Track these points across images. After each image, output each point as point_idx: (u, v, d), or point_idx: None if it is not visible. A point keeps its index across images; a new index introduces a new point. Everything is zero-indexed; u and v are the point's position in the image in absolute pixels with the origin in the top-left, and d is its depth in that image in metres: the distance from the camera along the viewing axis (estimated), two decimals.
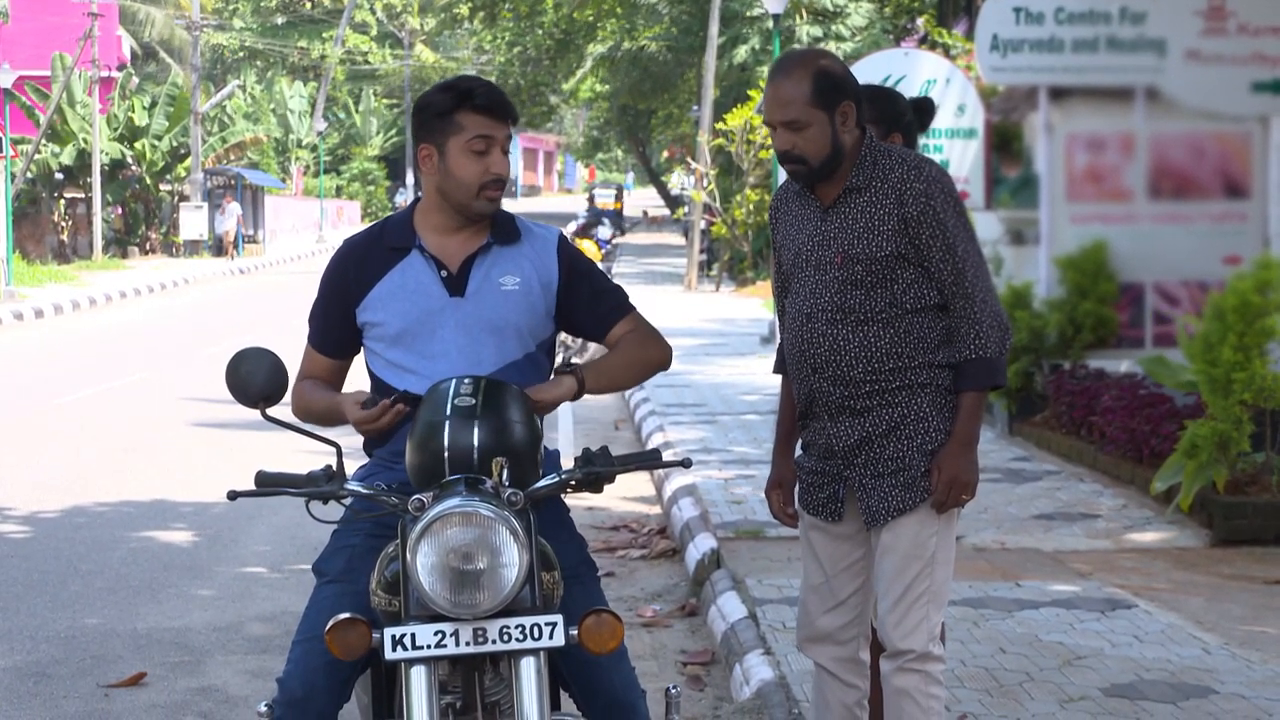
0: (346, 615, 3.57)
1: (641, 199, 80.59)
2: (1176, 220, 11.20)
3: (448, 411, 3.69)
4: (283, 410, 3.93)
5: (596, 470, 3.82)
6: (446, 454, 3.66)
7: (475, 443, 3.66)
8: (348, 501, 3.92)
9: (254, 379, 3.82)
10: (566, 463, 4.06)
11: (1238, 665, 6.52)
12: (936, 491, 4.31)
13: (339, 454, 3.80)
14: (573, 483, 3.80)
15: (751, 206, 31.53)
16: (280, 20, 68.96)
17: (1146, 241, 11.19)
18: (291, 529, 9.86)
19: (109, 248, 43.80)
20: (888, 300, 4.29)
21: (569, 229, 23.92)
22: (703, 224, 34.11)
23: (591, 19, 49.91)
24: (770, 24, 27.85)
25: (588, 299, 4.26)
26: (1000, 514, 9.64)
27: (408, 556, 3.52)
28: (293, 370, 4.08)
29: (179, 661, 7.14)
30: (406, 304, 4.14)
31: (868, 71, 15.36)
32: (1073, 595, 7.71)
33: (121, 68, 47.72)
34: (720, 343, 21.51)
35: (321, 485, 3.74)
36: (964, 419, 4.32)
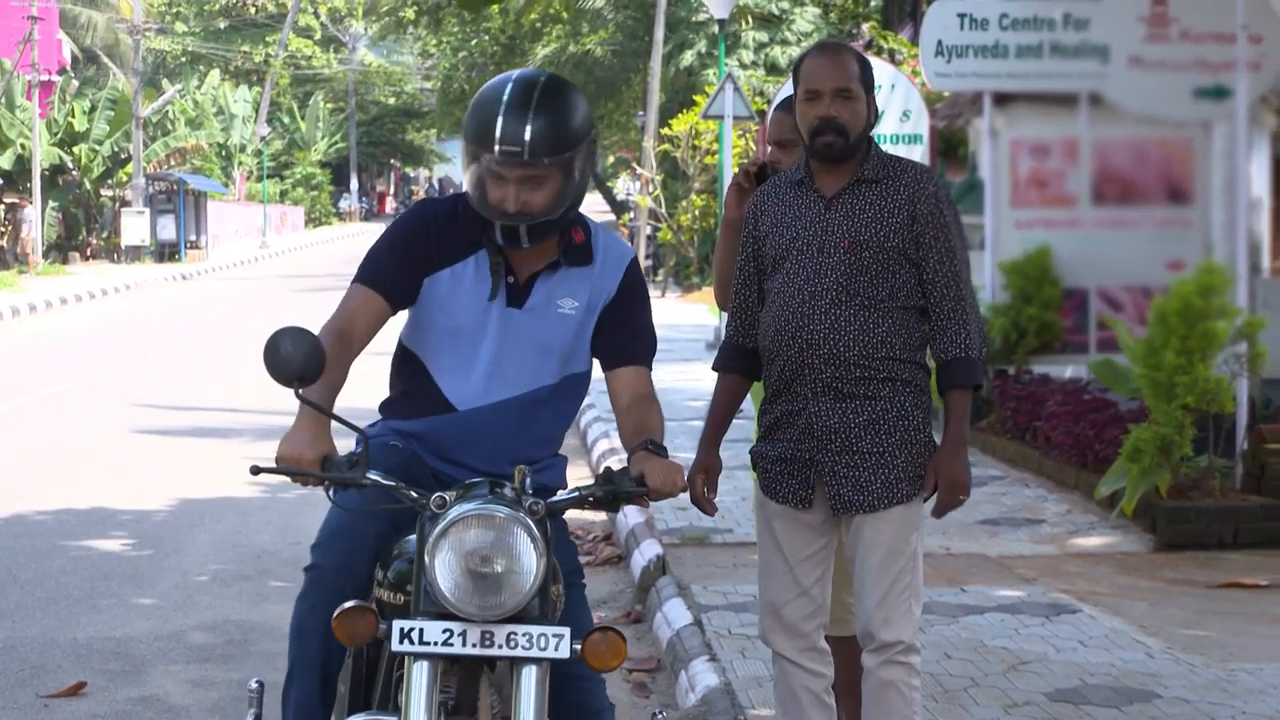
0: (355, 603, 3.57)
1: (586, 204, 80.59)
2: (1120, 226, 11.25)
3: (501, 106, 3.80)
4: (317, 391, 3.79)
5: (617, 489, 3.78)
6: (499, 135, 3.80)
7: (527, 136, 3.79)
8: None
9: (293, 360, 3.65)
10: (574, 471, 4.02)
11: (1181, 669, 6.54)
12: (938, 496, 4.45)
13: (365, 443, 3.72)
14: (591, 499, 3.77)
15: (697, 212, 31.55)
16: (223, 24, 68.61)
17: (1090, 247, 11.24)
18: (234, 537, 9.78)
19: (49, 254, 43.44)
20: (887, 291, 4.41)
21: None
22: (648, 229, 34.11)
23: (538, 24, 49.86)
24: (715, 29, 27.88)
25: (619, 327, 4.15)
26: (945, 519, 9.61)
27: (425, 555, 3.51)
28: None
29: (119, 671, 7.07)
30: (466, 300, 4.06)
31: None
32: (1018, 600, 7.73)
33: (62, 72, 47.38)
34: (666, 349, 21.43)
35: (344, 471, 3.69)
36: (955, 420, 4.47)
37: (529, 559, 3.50)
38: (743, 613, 7.34)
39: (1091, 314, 11.23)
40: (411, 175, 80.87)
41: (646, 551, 8.83)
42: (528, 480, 3.66)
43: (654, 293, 32.73)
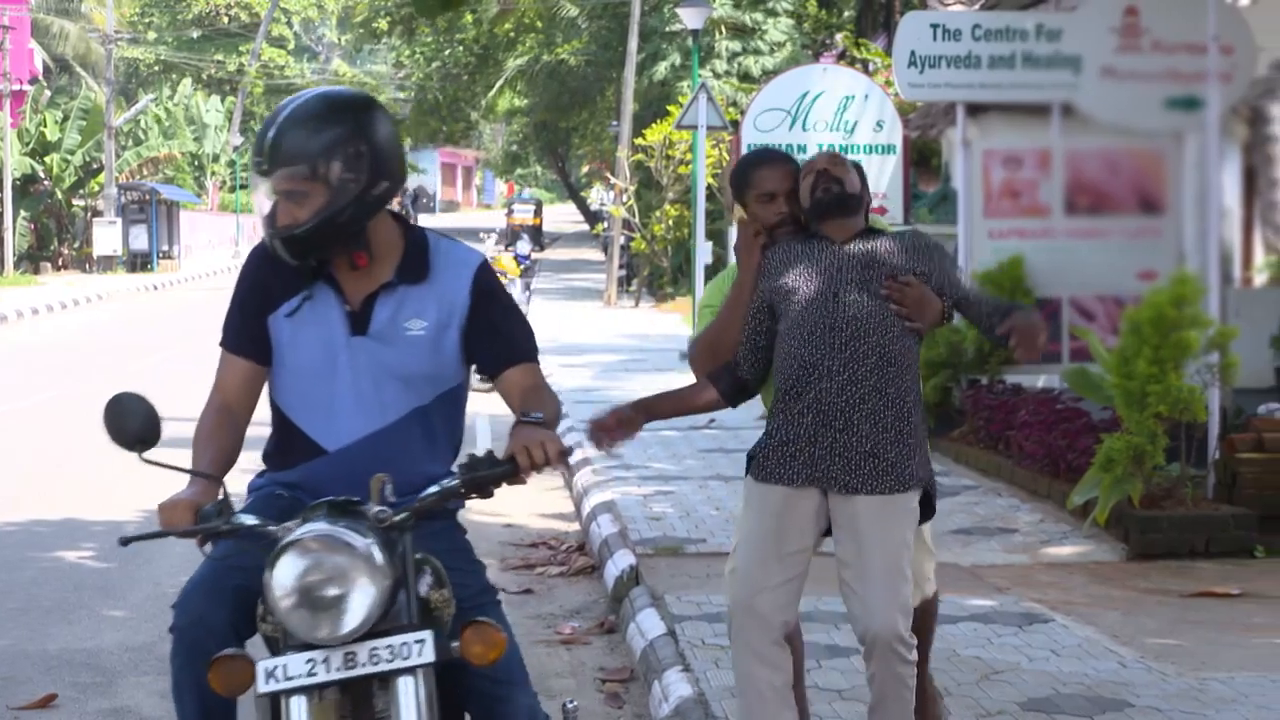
0: (229, 652, 3.52)
1: (560, 214, 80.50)
2: (1092, 236, 11.27)
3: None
4: (158, 452, 3.81)
5: (478, 475, 3.67)
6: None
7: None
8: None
9: (130, 424, 3.73)
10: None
11: (1153, 678, 6.56)
12: (1023, 334, 4.69)
13: (223, 489, 3.73)
14: (460, 490, 3.67)
15: (671, 222, 31.56)
16: (196, 34, 68.46)
17: (1063, 257, 11.25)
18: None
19: (20, 263, 43.25)
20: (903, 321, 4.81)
21: (489, 241, 23.82)
22: (622, 240, 34.12)
23: (511, 34, 49.87)
24: (689, 39, 27.90)
25: (490, 334, 4.05)
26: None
27: (266, 590, 3.47)
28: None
29: (90, 683, 7.03)
30: (310, 335, 3.98)
31: (786, 87, 15.43)
32: (990, 610, 7.73)
33: (34, 81, 47.16)
34: (639, 359, 21.50)
35: (212, 521, 3.64)
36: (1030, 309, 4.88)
37: (362, 577, 3.43)
38: (716, 623, 7.33)
39: (1064, 324, 11.24)
40: None
41: (620, 562, 8.82)
42: (388, 489, 3.59)
43: (627, 303, 32.85)
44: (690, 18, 24.53)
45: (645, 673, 6.94)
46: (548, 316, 26.58)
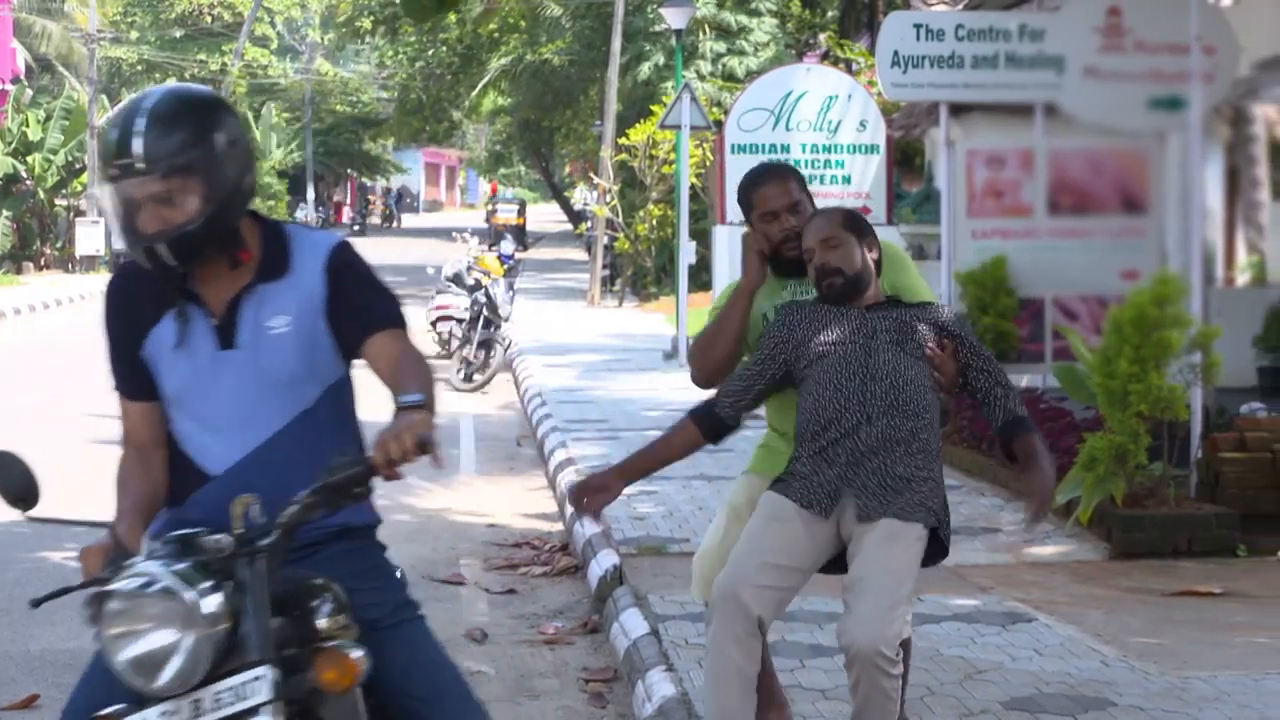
0: (106, 711, 3.42)
1: (543, 214, 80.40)
2: (1075, 236, 11.28)
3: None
4: (42, 508, 3.80)
5: (331, 483, 3.41)
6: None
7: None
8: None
9: (8, 485, 3.71)
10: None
11: (1136, 677, 6.57)
12: (1039, 500, 4.96)
13: (114, 536, 3.66)
14: (315, 501, 3.44)
15: (654, 222, 31.55)
16: (179, 33, 68.31)
17: (1046, 257, 11.26)
18: None
19: (2, 263, 43.14)
20: (925, 369, 5.03)
21: (472, 241, 23.72)
22: (605, 239, 34.10)
23: (495, 33, 49.82)
24: (673, 39, 27.91)
25: (346, 308, 3.78)
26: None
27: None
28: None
29: (73, 683, 6.98)
30: (180, 356, 3.78)
31: (770, 87, 15.45)
32: (973, 609, 7.74)
33: (16, 81, 47.03)
34: (623, 358, 21.48)
35: (105, 573, 3.52)
36: (1043, 451, 5.01)
37: (174, 625, 3.31)
38: (699, 622, 7.31)
39: (1047, 323, 11.25)
40: (369, 185, 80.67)
41: (603, 561, 8.81)
42: (254, 510, 3.44)
43: (610, 303, 32.83)
44: (674, 18, 24.51)
45: (629, 672, 6.93)
46: (532, 316, 26.54)
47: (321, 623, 3.54)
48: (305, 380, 3.78)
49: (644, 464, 5.14)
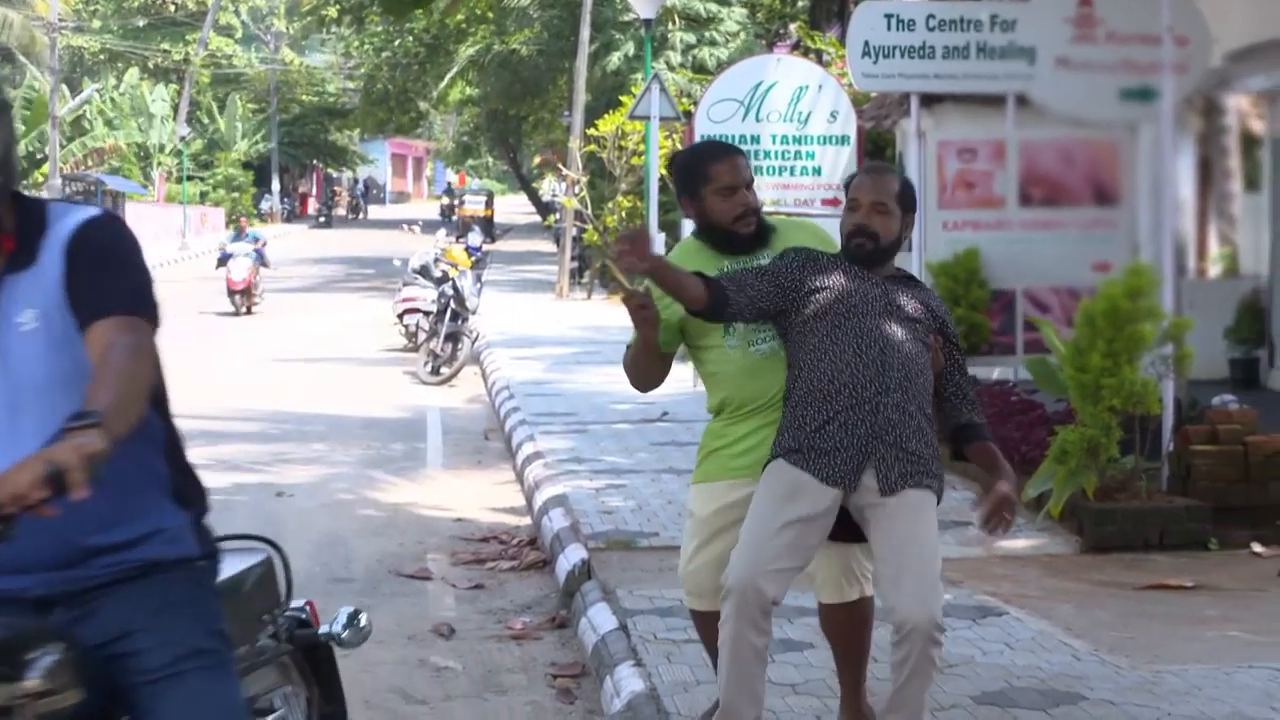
0: None
1: (512, 206, 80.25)
2: (1047, 227, 11.24)
3: None
4: None
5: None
6: None
7: None
8: None
9: None
10: None
11: (1107, 671, 6.53)
12: (998, 507, 5.08)
13: None
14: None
15: (624, 213, 31.47)
16: (142, 22, 67.94)
17: (1017, 248, 11.22)
18: None
19: None
20: (925, 353, 5.17)
21: (439, 233, 23.61)
22: (574, 231, 34.02)
23: (463, 24, 49.67)
24: (642, 30, 27.82)
25: (80, 293, 3.18)
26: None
27: None
28: None
29: None
30: None
31: (740, 78, 15.36)
32: (944, 603, 7.66)
33: None
34: (592, 351, 21.40)
35: None
36: (1003, 459, 5.23)
37: None
38: (668, 617, 7.26)
39: (1019, 315, 11.22)
40: (335, 176, 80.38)
41: (571, 556, 8.74)
42: None
43: (579, 295, 32.75)
44: (642, 7, 24.40)
45: (597, 668, 6.87)
46: (500, 309, 26.46)
47: (31, 681, 3.02)
48: (67, 382, 3.17)
49: (674, 274, 5.09)
